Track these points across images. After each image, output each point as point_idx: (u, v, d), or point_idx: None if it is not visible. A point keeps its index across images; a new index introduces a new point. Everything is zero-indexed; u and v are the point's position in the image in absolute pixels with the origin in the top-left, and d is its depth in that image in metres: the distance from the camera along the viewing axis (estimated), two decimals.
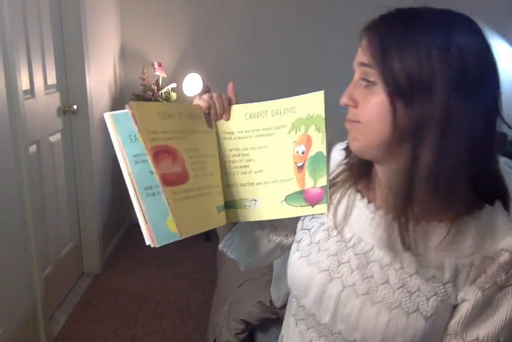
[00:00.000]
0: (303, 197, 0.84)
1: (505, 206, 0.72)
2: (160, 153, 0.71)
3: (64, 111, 2.46)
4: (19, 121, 1.83)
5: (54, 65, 2.34)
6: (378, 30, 0.67)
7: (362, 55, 0.68)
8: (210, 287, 2.50)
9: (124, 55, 3.27)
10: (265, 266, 1.65)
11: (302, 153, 0.84)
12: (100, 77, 2.82)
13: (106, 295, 2.53)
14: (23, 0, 1.97)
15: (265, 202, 0.86)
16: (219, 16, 3.21)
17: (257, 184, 0.87)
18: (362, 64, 0.68)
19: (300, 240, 0.84)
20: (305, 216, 0.85)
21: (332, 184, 0.82)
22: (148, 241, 0.72)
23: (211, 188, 0.82)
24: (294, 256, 0.83)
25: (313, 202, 0.83)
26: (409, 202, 0.66)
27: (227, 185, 0.87)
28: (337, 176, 0.82)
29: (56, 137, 2.39)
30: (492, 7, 3.14)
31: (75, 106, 2.49)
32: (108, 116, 0.72)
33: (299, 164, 0.84)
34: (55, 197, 2.37)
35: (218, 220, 0.83)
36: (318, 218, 0.83)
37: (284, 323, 0.92)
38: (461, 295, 0.68)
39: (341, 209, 0.79)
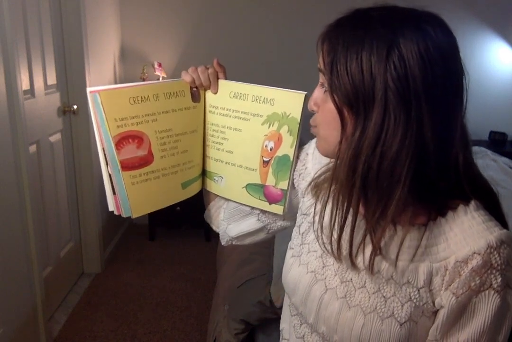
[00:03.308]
0: (263, 191, 0.86)
1: (489, 205, 0.69)
2: (124, 139, 0.78)
3: (64, 111, 2.46)
4: (19, 121, 1.83)
5: (54, 65, 2.34)
6: (330, 39, 0.66)
7: (319, 62, 0.69)
8: (210, 287, 2.50)
9: (124, 55, 3.27)
10: (266, 264, 1.65)
11: (271, 149, 0.84)
12: (100, 77, 2.82)
13: (106, 295, 2.53)
14: (23, 0, 1.97)
15: (229, 182, 0.90)
16: (219, 16, 3.21)
17: (226, 163, 0.90)
18: (320, 70, 0.69)
19: (293, 235, 0.85)
20: (302, 204, 0.86)
21: (317, 184, 0.81)
22: (111, 208, 0.85)
23: (181, 165, 0.88)
24: (288, 254, 0.85)
25: (270, 199, 0.86)
26: (357, 196, 0.65)
27: (206, 155, 0.92)
28: (321, 174, 0.81)
29: (56, 137, 2.38)
30: (492, 7, 3.15)
31: (75, 106, 2.49)
32: (89, 96, 0.76)
33: (265, 159, 0.85)
34: (55, 197, 2.37)
35: (181, 195, 0.90)
36: (307, 215, 0.83)
37: (282, 316, 0.92)
38: (438, 301, 0.67)
39: (328, 211, 0.77)
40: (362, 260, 0.70)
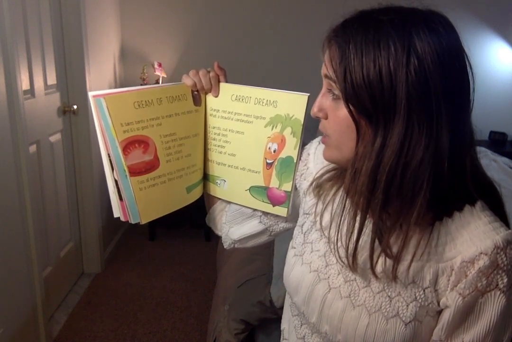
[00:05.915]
0: (266, 193, 0.86)
1: (493, 205, 0.69)
2: (131, 144, 0.77)
3: (64, 111, 2.46)
4: (19, 121, 1.83)
5: (54, 65, 2.34)
6: (338, 44, 0.63)
7: (325, 68, 0.66)
8: (210, 287, 2.50)
9: (124, 55, 3.27)
10: (266, 264, 1.65)
11: (274, 151, 0.84)
12: (100, 77, 2.82)
13: (106, 295, 2.53)
14: (23, 0, 1.97)
15: (232, 185, 0.90)
16: (219, 16, 3.21)
17: (228, 166, 0.90)
18: (326, 76, 0.66)
19: (295, 235, 0.85)
20: (304, 203, 0.85)
21: (319, 184, 0.80)
22: (117, 214, 0.83)
23: (185, 169, 0.87)
24: (290, 253, 0.84)
25: (274, 201, 0.85)
26: (378, 206, 0.64)
27: (207, 159, 0.92)
28: (323, 174, 0.80)
29: (56, 137, 2.38)
30: (492, 7, 3.14)
31: (75, 106, 2.49)
32: (92, 100, 0.75)
33: (268, 161, 0.85)
34: (55, 197, 2.37)
35: (187, 199, 0.89)
36: (310, 215, 0.82)
37: (283, 316, 0.92)
38: (443, 301, 0.66)
39: (330, 211, 0.77)
40: (380, 267, 0.69)
